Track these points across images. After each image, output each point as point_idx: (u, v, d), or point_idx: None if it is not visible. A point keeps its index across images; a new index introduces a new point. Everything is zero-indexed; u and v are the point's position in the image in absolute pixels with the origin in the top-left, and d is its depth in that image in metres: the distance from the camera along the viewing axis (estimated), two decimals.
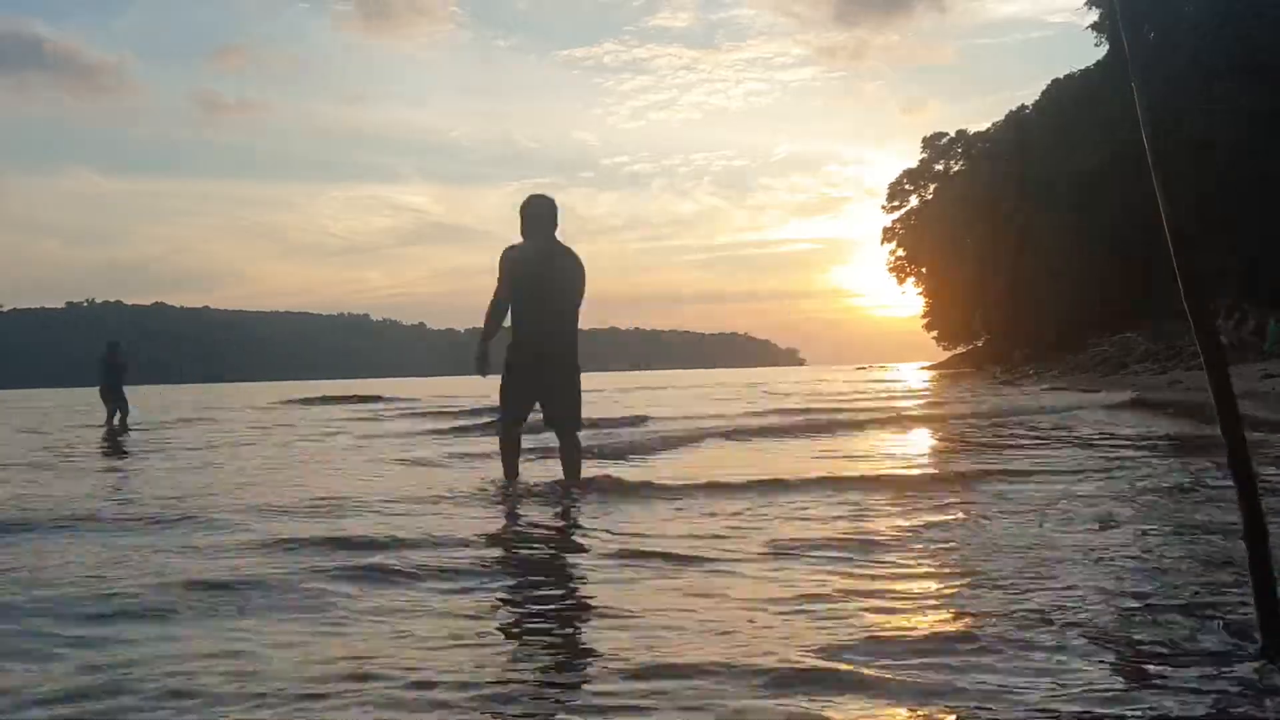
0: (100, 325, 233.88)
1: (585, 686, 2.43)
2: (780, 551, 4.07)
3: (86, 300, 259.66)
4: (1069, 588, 3.25)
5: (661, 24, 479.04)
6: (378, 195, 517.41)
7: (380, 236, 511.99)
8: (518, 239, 6.49)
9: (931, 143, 77.09)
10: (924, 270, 75.78)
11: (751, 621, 2.96)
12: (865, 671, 2.42)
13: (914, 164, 78.89)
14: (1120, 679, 2.37)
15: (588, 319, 6.75)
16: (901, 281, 79.20)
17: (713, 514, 5.22)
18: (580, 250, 6.50)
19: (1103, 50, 43.93)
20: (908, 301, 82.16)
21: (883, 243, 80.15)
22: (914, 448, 10.56)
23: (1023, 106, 61.83)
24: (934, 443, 11.21)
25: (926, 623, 2.92)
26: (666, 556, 4.01)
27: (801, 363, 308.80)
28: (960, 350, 74.08)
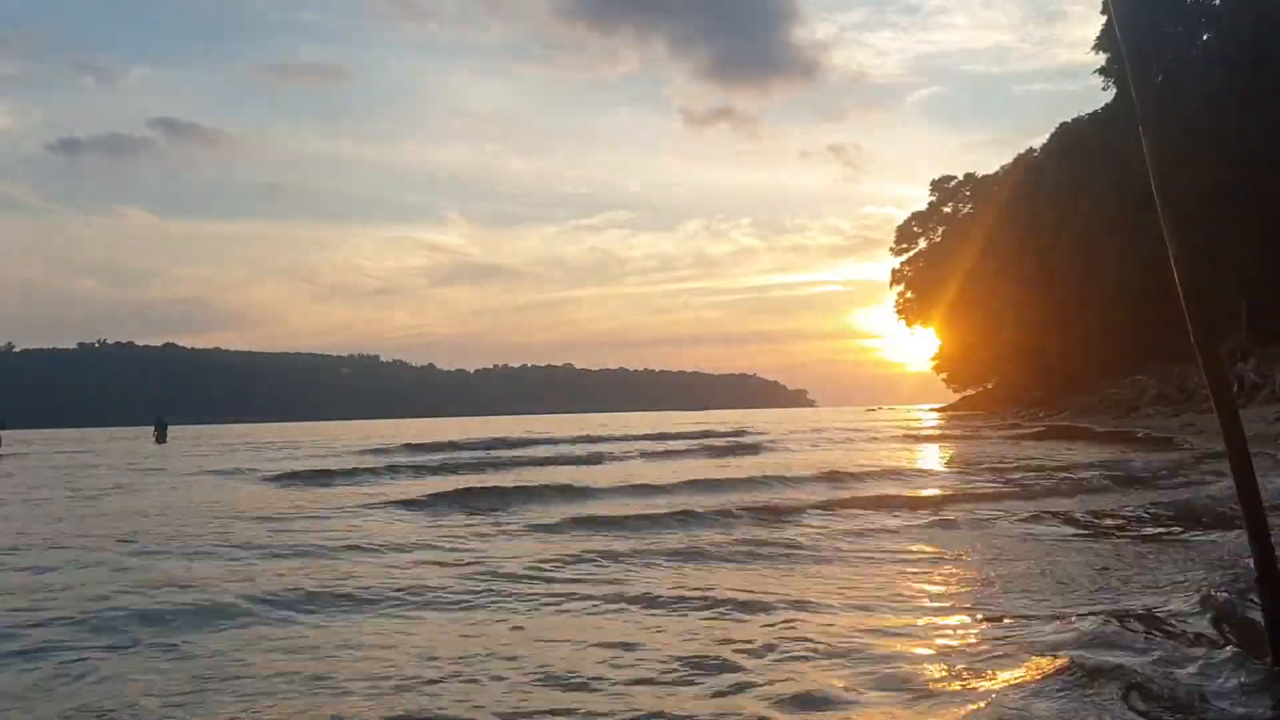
0: (107, 366, 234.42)
1: None
2: None
3: (98, 341, 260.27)
4: None
5: (693, 106, 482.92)
6: (414, 236, 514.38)
7: (414, 277, 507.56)
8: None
9: (940, 185, 77.29)
10: (933, 313, 75.73)
11: None
12: None
13: (923, 207, 79.25)
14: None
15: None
16: (910, 324, 79.16)
17: None
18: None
19: (1110, 94, 44.24)
20: (917, 344, 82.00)
21: (891, 285, 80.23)
22: None
23: (1030, 150, 62.19)
24: None
25: None
26: None
27: (811, 404, 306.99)
28: (970, 393, 73.79)
